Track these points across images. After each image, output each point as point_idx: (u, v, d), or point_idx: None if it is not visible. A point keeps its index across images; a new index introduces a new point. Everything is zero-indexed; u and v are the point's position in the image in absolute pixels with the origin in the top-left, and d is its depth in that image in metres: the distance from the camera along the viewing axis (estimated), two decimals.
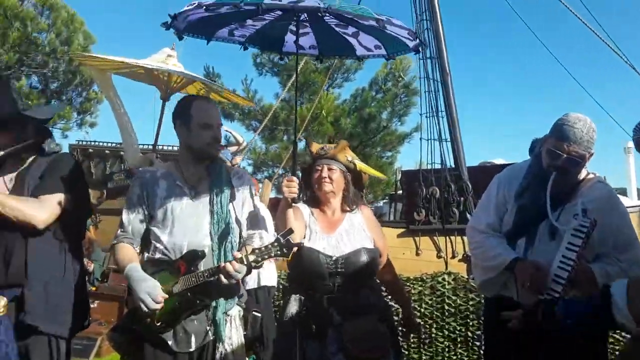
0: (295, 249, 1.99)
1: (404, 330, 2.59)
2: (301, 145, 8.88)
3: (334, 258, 2.22)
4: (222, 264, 1.95)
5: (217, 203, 2.12)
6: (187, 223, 2.08)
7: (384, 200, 11.66)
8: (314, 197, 2.41)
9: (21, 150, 2.26)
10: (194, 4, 2.16)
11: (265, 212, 2.30)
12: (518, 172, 2.25)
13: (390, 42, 2.61)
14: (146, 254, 2.12)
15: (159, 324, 2.00)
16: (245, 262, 1.93)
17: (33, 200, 2.16)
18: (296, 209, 2.28)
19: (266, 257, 1.95)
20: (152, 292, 1.94)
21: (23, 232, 2.14)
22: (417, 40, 2.57)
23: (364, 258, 2.25)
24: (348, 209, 2.39)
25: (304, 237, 2.26)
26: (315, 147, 2.44)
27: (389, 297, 2.79)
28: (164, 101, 3.28)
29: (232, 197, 2.15)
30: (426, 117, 5.34)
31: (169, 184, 2.15)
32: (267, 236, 2.18)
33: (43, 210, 2.15)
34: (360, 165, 2.47)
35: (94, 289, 5.49)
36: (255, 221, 2.20)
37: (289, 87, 7.82)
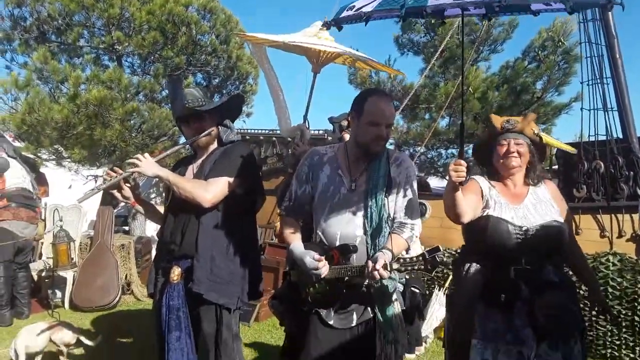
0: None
1: (597, 314, 2.42)
2: (443, 122, 8.60)
3: (523, 228, 2.14)
4: (369, 267, 1.98)
5: (372, 198, 2.13)
6: (342, 213, 2.16)
7: None
8: (492, 172, 2.34)
9: (204, 142, 2.60)
10: (353, 7, 2.05)
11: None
12: None
13: None
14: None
15: (311, 301, 2.14)
16: (389, 269, 1.96)
17: (201, 183, 2.46)
18: (472, 182, 2.26)
19: (409, 269, 1.96)
20: (314, 265, 2.05)
21: (197, 211, 2.45)
22: None
23: (555, 231, 2.15)
24: (532, 182, 2.29)
25: (489, 208, 2.20)
26: (499, 120, 2.33)
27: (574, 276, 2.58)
28: (315, 74, 3.39)
29: (388, 192, 2.15)
30: (588, 85, 4.81)
31: (332, 170, 2.24)
32: (418, 228, 2.19)
33: (208, 191, 2.42)
34: (547, 138, 2.38)
35: None
36: (410, 210, 2.19)
37: (432, 64, 7.62)
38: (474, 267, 2.21)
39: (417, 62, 10.35)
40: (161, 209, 2.81)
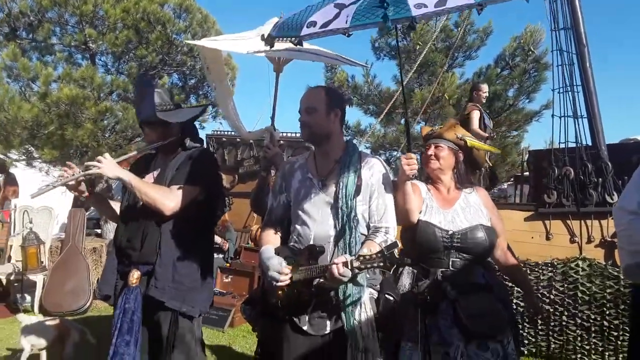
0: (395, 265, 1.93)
1: (530, 316, 2.52)
2: (418, 127, 8.70)
3: (449, 232, 2.24)
4: (330, 266, 1.96)
5: (342, 198, 2.13)
6: (315, 215, 2.17)
7: (509, 182, 10.98)
8: (428, 176, 2.47)
9: (166, 146, 2.56)
10: (314, 23, 1.94)
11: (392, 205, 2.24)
12: None
13: None
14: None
15: (282, 307, 2.10)
16: (350, 268, 1.92)
17: (164, 190, 2.43)
18: (414, 185, 2.33)
19: (369, 267, 1.91)
20: (277, 268, 2.06)
21: (157, 218, 2.42)
22: None
23: (481, 235, 2.24)
24: (461, 187, 2.40)
25: (420, 212, 2.29)
26: (425, 130, 2.51)
27: (509, 281, 2.71)
28: (277, 73, 3.29)
29: (357, 192, 2.15)
30: (559, 92, 4.91)
31: (303, 175, 2.27)
32: (393, 231, 2.18)
33: (171, 199, 2.40)
34: (472, 141, 2.47)
35: (227, 265, 6.02)
36: (384, 213, 2.18)
37: (408, 70, 7.70)
38: (406, 270, 2.31)
39: (392, 66, 10.51)
40: (117, 205, 2.72)
